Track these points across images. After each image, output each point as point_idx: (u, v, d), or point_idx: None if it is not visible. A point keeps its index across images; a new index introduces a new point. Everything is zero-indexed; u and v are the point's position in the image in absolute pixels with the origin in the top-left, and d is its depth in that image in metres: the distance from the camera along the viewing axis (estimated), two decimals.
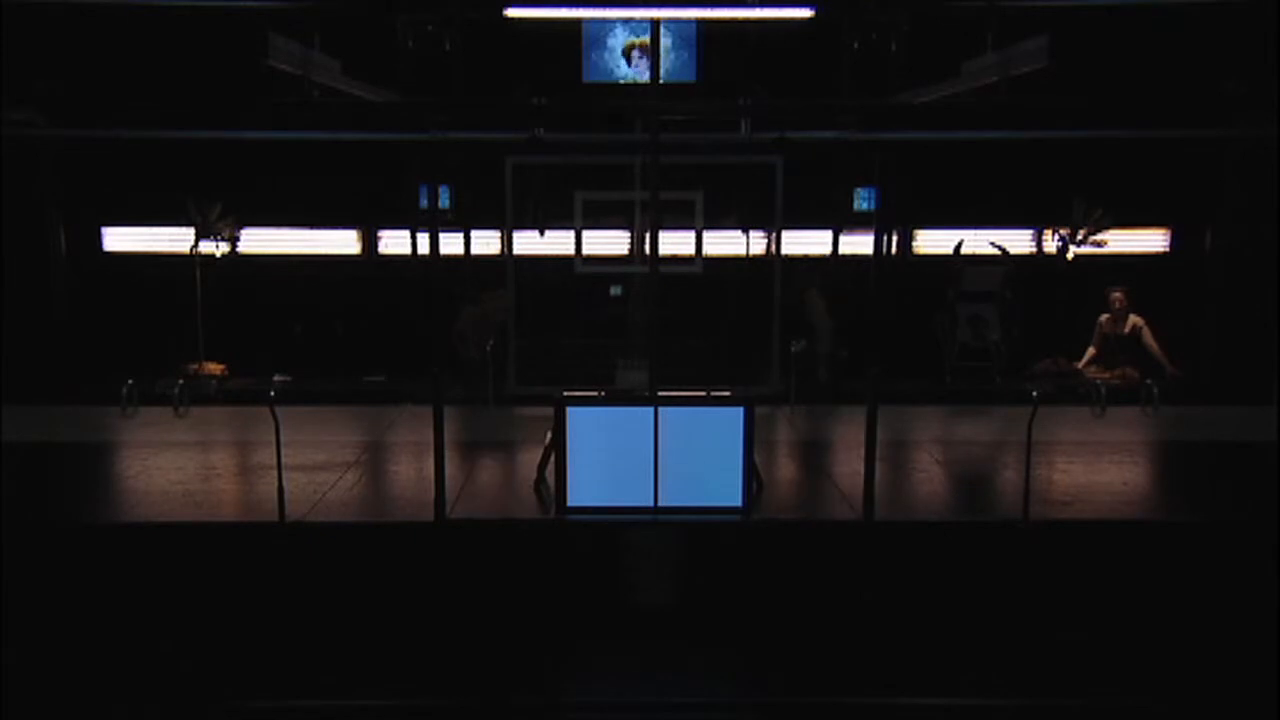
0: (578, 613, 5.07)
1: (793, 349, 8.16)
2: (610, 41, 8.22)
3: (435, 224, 4.71)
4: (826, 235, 9.26)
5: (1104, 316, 8.80)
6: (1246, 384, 8.17)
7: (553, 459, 5.04)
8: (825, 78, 8.79)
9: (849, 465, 6.03)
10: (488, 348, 7.64)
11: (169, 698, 4.23)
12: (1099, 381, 8.20)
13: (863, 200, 8.99)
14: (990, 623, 4.97)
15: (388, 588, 5.26)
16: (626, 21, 8.13)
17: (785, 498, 5.73)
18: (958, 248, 8.96)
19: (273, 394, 5.08)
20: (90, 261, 9.34)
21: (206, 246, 8.58)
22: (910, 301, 8.28)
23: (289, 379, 8.20)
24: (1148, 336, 8.54)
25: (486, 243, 9.16)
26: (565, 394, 5.14)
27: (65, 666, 4.48)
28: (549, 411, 4.81)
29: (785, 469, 6.29)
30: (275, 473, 4.92)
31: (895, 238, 9.44)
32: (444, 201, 8.83)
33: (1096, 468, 6.37)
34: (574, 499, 4.75)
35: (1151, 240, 9.43)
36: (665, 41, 8.04)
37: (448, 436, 5.07)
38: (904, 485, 6.04)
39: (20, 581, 4.96)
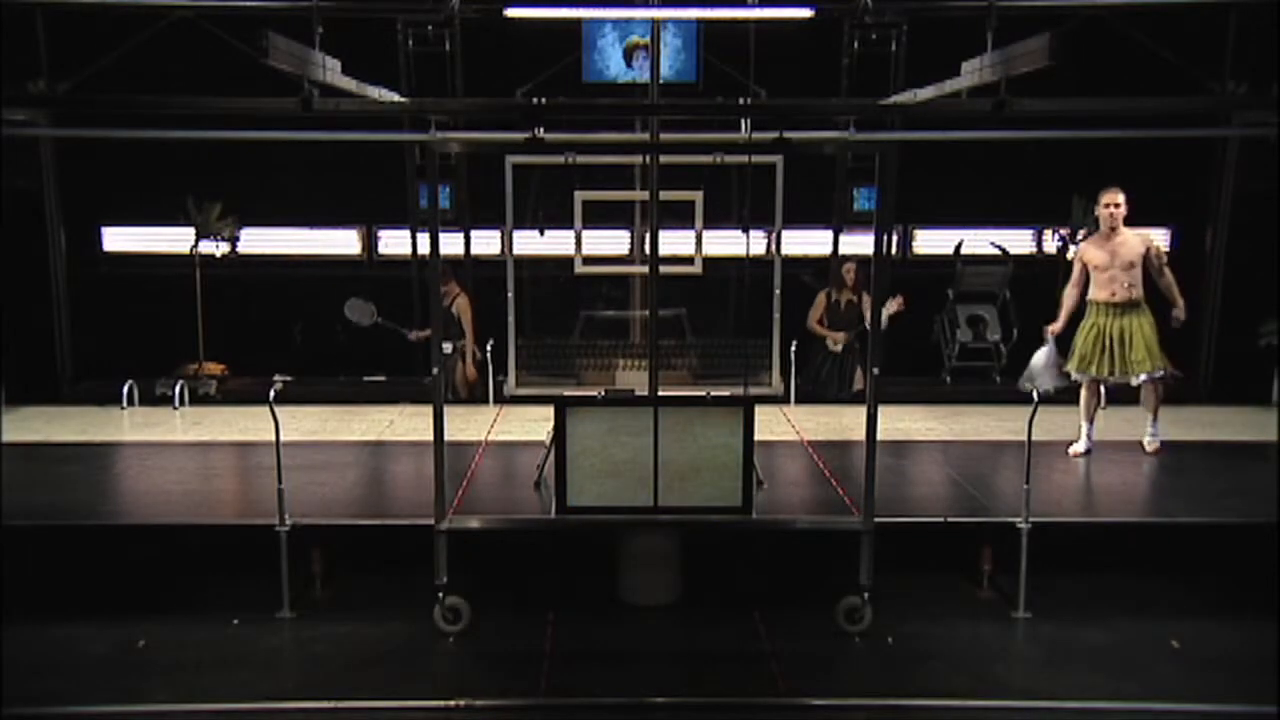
0: (577, 612, 5.07)
1: (832, 346, 8.14)
2: (600, 42, 8.21)
3: (435, 224, 4.72)
4: (826, 235, 9.27)
5: None
6: (1246, 384, 8.17)
7: (552, 459, 5.03)
8: (825, 78, 8.79)
9: (849, 465, 6.03)
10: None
11: (168, 698, 4.23)
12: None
13: (863, 200, 9.00)
14: (990, 622, 4.97)
15: (387, 588, 5.27)
16: (616, 22, 8.13)
17: (785, 498, 5.73)
18: (958, 248, 8.96)
19: (273, 394, 5.07)
20: (90, 261, 9.34)
21: (206, 246, 8.58)
22: (910, 301, 8.29)
23: (289, 379, 8.21)
24: None
25: (486, 242, 9.17)
26: (565, 394, 5.14)
27: (63, 667, 4.48)
28: (548, 411, 4.81)
29: (786, 469, 6.29)
30: (275, 473, 4.91)
31: (895, 238, 9.45)
32: (444, 202, 8.84)
33: (1097, 468, 6.38)
34: (573, 499, 4.74)
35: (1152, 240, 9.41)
36: (667, 41, 8.03)
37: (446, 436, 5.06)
38: (904, 485, 6.05)
39: (18, 582, 4.96)
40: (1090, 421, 6.60)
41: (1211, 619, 4.93)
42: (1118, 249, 6.34)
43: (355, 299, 8.23)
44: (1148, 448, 6.60)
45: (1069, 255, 8.77)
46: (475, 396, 8.28)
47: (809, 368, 8.41)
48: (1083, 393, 6.59)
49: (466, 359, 8.28)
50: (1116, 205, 6.30)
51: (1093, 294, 6.45)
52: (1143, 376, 6.40)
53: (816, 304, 8.45)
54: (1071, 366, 6.53)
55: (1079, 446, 6.57)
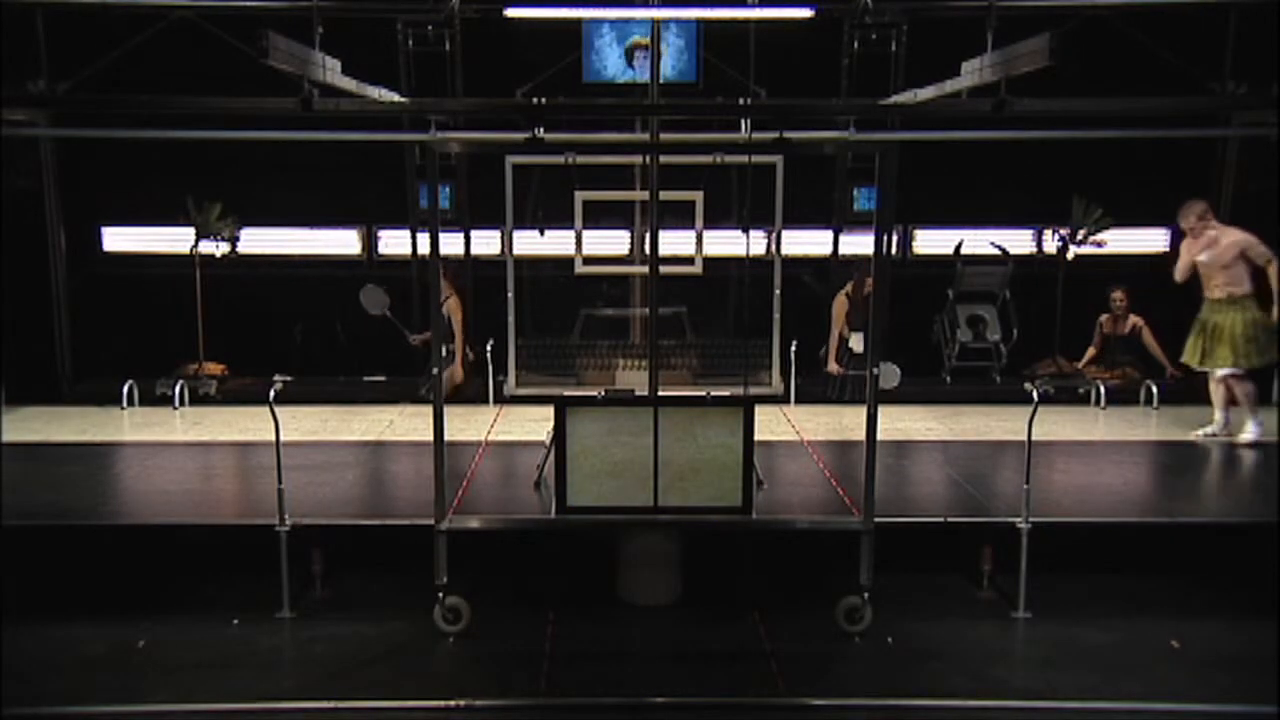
0: (577, 612, 5.07)
1: (851, 347, 8.12)
2: (600, 43, 8.20)
3: (435, 224, 4.71)
4: (827, 235, 9.26)
5: (1104, 316, 8.81)
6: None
7: (552, 459, 5.04)
8: (825, 78, 8.79)
9: (849, 465, 6.03)
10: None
11: (168, 698, 4.24)
12: (1099, 381, 8.21)
13: (863, 200, 9.00)
14: (990, 622, 4.97)
15: (387, 587, 5.27)
16: (616, 23, 8.12)
17: (785, 498, 5.73)
18: (958, 248, 8.96)
19: (273, 394, 5.07)
20: (90, 261, 9.33)
21: (206, 246, 8.58)
22: (910, 301, 8.28)
23: (289, 379, 8.23)
24: (1148, 337, 8.56)
25: (486, 242, 9.17)
26: (565, 394, 5.13)
27: (63, 667, 4.49)
28: (548, 411, 4.81)
29: (786, 469, 6.29)
30: (275, 473, 4.92)
31: (895, 238, 9.44)
32: (444, 202, 8.83)
33: (1096, 467, 6.38)
34: (573, 499, 4.74)
35: (1152, 240, 9.42)
36: (668, 41, 8.02)
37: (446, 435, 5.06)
38: (904, 485, 6.05)
39: (18, 582, 4.96)
40: (1223, 409, 6.92)
41: (1211, 619, 4.94)
42: (1214, 250, 6.78)
43: (372, 285, 8.22)
44: (1242, 439, 6.82)
45: (1069, 255, 8.78)
46: (467, 398, 8.25)
47: (840, 376, 8.37)
48: (1210, 383, 6.97)
49: (456, 360, 8.26)
50: (1199, 216, 6.85)
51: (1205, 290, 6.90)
52: (1220, 371, 6.77)
53: (839, 303, 8.41)
54: (1185, 357, 7.04)
55: (1208, 429, 6.95)
